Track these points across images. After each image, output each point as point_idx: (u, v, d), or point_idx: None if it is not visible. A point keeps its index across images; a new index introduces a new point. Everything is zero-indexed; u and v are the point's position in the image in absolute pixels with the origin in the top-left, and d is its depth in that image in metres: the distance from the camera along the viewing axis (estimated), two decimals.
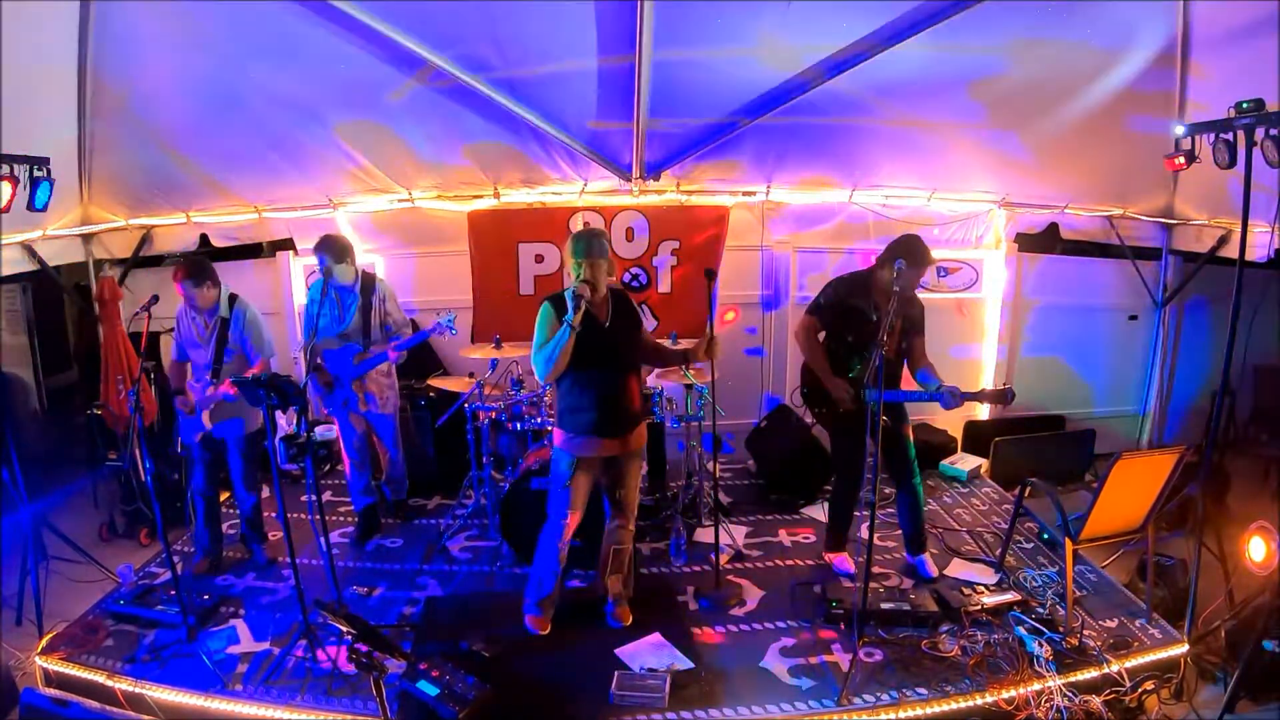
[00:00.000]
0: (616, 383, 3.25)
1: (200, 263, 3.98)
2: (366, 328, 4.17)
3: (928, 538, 4.05)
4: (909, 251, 3.56)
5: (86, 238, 5.07)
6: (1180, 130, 3.63)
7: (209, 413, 3.93)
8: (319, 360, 4.21)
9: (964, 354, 5.84)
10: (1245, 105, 3.22)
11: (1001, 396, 3.57)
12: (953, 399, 3.56)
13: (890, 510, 4.67)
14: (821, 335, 3.86)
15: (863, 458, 3.49)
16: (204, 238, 5.37)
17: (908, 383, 3.90)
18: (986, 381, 5.74)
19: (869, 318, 3.69)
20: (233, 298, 3.97)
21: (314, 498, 3.66)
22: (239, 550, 4.31)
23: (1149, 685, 3.18)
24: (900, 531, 4.11)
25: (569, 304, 3.08)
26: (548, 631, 3.51)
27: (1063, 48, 4.41)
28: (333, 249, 4.06)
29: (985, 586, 3.76)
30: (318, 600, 3.15)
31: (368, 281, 4.22)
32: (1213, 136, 3.41)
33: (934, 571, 3.93)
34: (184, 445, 4.09)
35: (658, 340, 3.61)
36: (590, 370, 3.21)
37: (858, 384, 3.67)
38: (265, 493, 5.06)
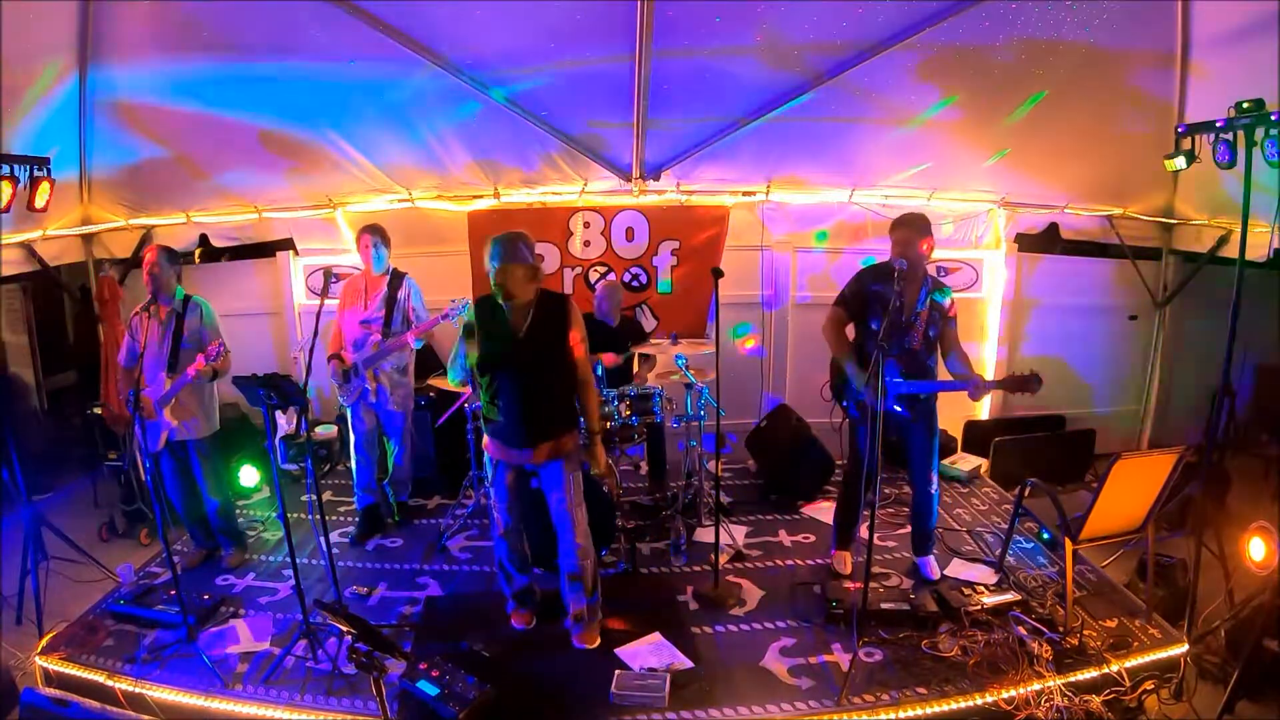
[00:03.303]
0: (524, 394, 3.13)
1: (171, 249, 3.99)
2: (389, 319, 4.27)
3: (935, 541, 4.03)
4: (903, 223, 3.54)
5: (86, 238, 5.08)
6: (1180, 130, 3.64)
7: (170, 410, 3.85)
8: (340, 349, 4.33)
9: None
10: (1245, 105, 3.23)
11: (1026, 384, 3.36)
12: (977, 390, 3.48)
13: (891, 510, 4.69)
14: (849, 327, 3.75)
15: (877, 454, 3.41)
16: (204, 238, 5.37)
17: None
18: None
19: (891, 304, 3.52)
20: (186, 295, 3.93)
21: (314, 498, 3.66)
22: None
23: (1149, 685, 3.18)
24: (905, 530, 4.09)
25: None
26: (532, 625, 3.52)
27: (1063, 47, 4.41)
28: (383, 233, 4.34)
29: (985, 586, 3.75)
30: (318, 600, 3.15)
31: (395, 275, 4.35)
32: (1213, 136, 3.42)
33: (936, 574, 3.92)
34: (150, 456, 3.98)
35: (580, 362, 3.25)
36: (500, 379, 3.15)
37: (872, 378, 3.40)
38: (265, 491, 5.11)
